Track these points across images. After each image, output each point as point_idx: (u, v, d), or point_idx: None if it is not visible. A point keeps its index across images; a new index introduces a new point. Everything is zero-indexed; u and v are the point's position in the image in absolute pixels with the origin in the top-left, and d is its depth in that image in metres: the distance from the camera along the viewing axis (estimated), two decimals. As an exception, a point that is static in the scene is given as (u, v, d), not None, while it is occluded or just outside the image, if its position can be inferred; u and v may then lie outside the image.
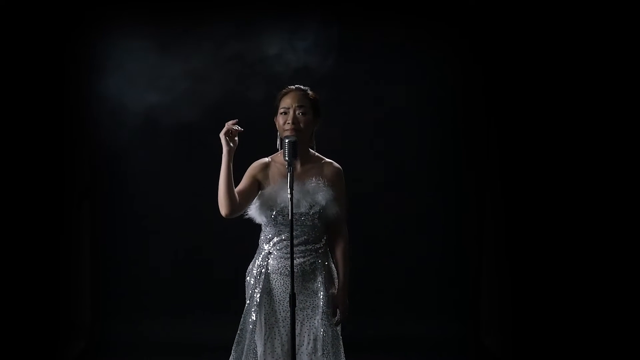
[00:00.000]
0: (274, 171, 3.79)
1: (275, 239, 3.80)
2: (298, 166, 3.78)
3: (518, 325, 5.99)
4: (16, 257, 5.60)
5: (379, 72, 6.29)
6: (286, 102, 3.80)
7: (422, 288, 6.29)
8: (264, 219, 3.79)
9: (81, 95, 6.21)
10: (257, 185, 3.79)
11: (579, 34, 5.69)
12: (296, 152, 3.58)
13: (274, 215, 3.75)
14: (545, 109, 5.83)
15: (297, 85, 3.87)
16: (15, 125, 5.63)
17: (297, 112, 3.77)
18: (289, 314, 3.67)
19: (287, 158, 3.57)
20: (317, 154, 3.89)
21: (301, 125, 3.76)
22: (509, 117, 6.04)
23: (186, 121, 6.19)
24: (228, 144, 3.62)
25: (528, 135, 5.92)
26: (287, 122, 3.76)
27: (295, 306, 3.53)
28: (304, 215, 3.75)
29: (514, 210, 6.03)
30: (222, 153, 3.63)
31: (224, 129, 3.62)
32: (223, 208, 3.68)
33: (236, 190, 3.70)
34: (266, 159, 3.85)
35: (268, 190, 3.77)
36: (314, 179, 3.78)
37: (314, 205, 3.75)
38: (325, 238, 3.86)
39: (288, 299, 3.61)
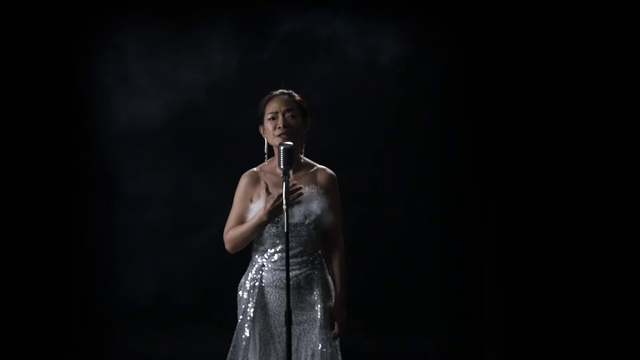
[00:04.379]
0: (264, 181, 3.65)
1: (269, 251, 3.68)
2: (291, 174, 3.62)
3: (519, 338, 5.95)
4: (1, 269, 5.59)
5: (378, 72, 6.21)
6: (273, 107, 3.68)
7: (423, 299, 6.21)
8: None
9: (79, 100, 6.16)
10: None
11: (585, 34, 5.66)
12: (292, 159, 3.44)
13: (268, 228, 3.62)
14: (548, 114, 5.79)
15: (280, 90, 3.76)
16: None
17: (286, 116, 3.66)
18: (284, 328, 3.51)
19: (282, 166, 3.43)
20: (308, 160, 3.78)
21: (292, 129, 3.65)
22: (511, 122, 5.99)
23: (189, 126, 6.15)
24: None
25: (531, 140, 5.88)
26: (278, 126, 3.64)
27: (291, 324, 3.39)
28: (299, 225, 3.61)
29: (515, 219, 5.97)
30: (266, 213, 3.55)
31: (277, 202, 3.51)
32: (235, 250, 3.69)
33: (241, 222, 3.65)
34: (254, 169, 3.74)
35: (259, 203, 3.63)
36: (307, 187, 3.64)
37: (308, 215, 3.62)
38: (321, 249, 3.73)
39: (284, 313, 3.48)
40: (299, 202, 3.60)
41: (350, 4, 6.17)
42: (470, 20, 6.04)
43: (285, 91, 3.74)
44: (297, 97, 3.74)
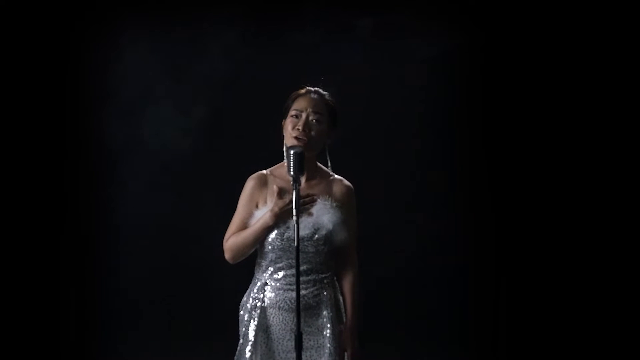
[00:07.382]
0: (272, 187, 3.38)
1: (271, 268, 3.40)
2: (302, 182, 3.35)
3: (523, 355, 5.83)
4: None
5: (378, 76, 5.97)
6: (300, 104, 3.39)
7: (427, 317, 6.00)
8: (259, 244, 3.39)
9: (80, 102, 5.90)
10: None
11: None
12: (303, 165, 3.16)
13: (271, 240, 3.34)
14: (559, 121, 5.64)
15: (315, 88, 3.47)
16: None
17: (310, 118, 3.37)
18: (289, 354, 3.31)
19: (292, 172, 3.15)
20: (325, 168, 3.49)
21: (312, 133, 3.36)
22: (509, 127, 5.79)
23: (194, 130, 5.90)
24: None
25: (530, 143, 5.73)
26: (297, 127, 3.35)
27: (302, 349, 3.12)
28: (306, 240, 3.32)
29: (522, 229, 5.81)
30: (272, 212, 3.32)
31: (286, 206, 3.29)
32: (235, 260, 3.43)
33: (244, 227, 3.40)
34: (264, 172, 3.46)
35: (265, 210, 3.36)
36: (319, 198, 3.37)
37: (318, 229, 3.34)
38: (331, 267, 3.44)
39: (288, 337, 3.31)
40: (310, 214, 3.33)
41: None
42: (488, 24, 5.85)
43: (322, 91, 3.46)
44: (331, 101, 3.45)
